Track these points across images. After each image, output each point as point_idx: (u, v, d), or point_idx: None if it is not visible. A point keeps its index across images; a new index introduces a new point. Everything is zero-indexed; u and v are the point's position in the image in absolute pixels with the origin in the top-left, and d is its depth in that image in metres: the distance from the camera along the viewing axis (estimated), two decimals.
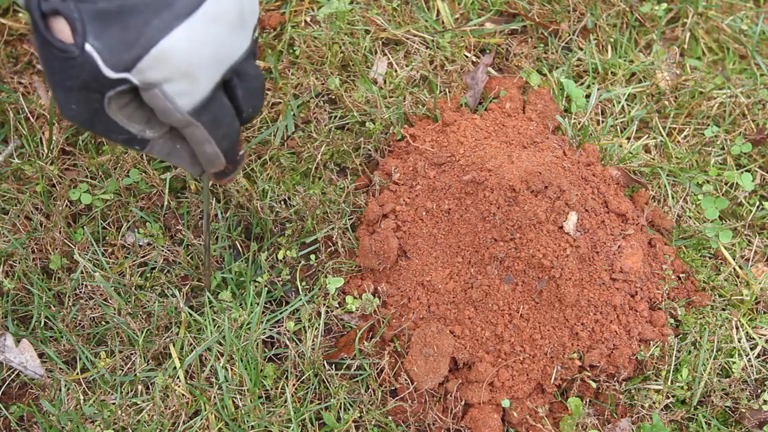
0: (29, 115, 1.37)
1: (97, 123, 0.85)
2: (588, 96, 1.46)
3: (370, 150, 1.38)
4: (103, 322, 1.22)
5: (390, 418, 1.17)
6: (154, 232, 1.28)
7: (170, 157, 0.93)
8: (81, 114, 0.85)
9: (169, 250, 1.28)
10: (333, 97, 1.44)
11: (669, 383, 1.19)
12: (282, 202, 1.32)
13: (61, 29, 0.77)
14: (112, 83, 0.79)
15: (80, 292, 1.24)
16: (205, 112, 0.85)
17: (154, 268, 1.27)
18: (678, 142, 1.44)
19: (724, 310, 1.27)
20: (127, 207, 1.32)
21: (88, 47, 0.76)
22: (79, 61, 0.77)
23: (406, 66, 1.47)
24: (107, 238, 1.30)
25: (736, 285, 1.30)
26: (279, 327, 1.22)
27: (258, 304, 1.21)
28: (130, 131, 0.86)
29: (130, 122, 0.86)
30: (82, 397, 1.16)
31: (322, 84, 1.44)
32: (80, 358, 1.20)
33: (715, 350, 1.22)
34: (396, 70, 1.47)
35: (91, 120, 0.85)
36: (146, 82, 0.80)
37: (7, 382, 1.19)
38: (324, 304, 1.23)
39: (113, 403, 1.15)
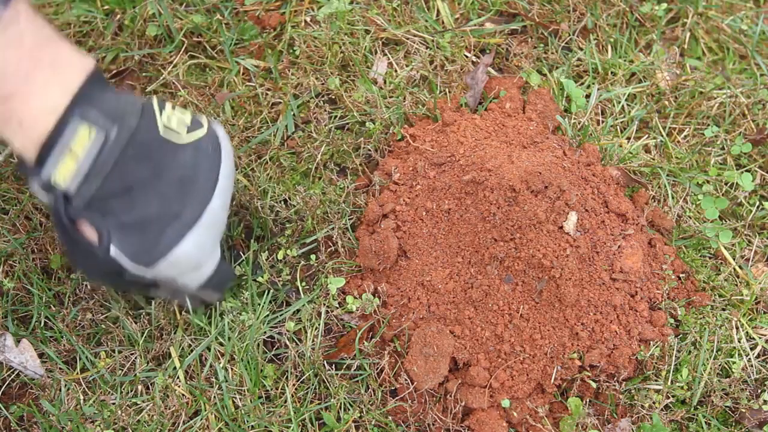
0: None
1: (119, 284, 1.10)
2: (588, 96, 1.46)
3: (370, 150, 1.38)
4: (103, 323, 1.22)
5: (390, 418, 1.17)
6: None
7: (174, 296, 1.14)
8: (104, 282, 1.13)
9: None
10: (333, 97, 1.44)
11: (669, 383, 1.19)
12: (282, 202, 1.32)
13: (88, 230, 0.94)
14: (132, 273, 0.98)
15: (80, 292, 1.25)
16: (209, 284, 1.08)
17: None
18: (678, 142, 1.44)
19: (724, 310, 1.27)
20: None
21: (112, 250, 0.94)
22: (102, 259, 0.95)
23: (406, 66, 1.47)
24: None
25: (736, 285, 1.30)
26: (279, 327, 1.22)
27: (260, 305, 1.21)
28: (146, 277, 1.02)
29: (142, 281, 1.03)
30: (82, 397, 1.16)
31: (322, 84, 1.44)
32: (80, 358, 1.20)
33: (715, 350, 1.22)
34: (396, 70, 1.47)
35: (111, 284, 1.12)
36: (161, 277, 1.00)
37: (7, 382, 1.19)
38: (324, 304, 1.23)
39: (113, 403, 1.15)
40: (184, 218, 0.96)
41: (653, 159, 1.40)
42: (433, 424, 1.16)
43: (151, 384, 1.17)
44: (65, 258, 1.24)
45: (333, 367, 1.19)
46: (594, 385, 1.19)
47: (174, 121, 0.95)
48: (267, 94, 1.43)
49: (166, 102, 0.98)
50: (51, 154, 0.87)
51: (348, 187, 1.33)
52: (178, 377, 1.17)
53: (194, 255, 0.99)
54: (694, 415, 1.19)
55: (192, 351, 1.19)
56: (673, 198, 1.36)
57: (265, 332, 1.21)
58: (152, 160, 0.93)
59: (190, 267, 1.01)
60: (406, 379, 1.17)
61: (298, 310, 1.23)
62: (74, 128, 0.87)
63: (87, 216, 0.92)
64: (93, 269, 1.01)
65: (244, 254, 1.28)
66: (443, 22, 1.52)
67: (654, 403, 1.18)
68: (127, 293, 1.20)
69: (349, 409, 1.17)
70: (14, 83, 0.85)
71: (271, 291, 1.24)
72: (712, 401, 1.19)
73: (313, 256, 1.28)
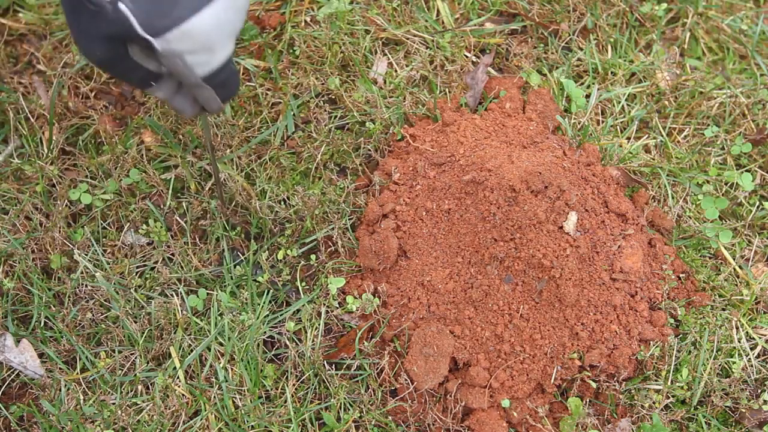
0: (29, 115, 1.37)
1: (118, 64, 0.97)
2: (588, 96, 1.46)
3: (370, 150, 1.38)
4: (103, 323, 1.22)
5: (390, 418, 1.17)
6: (156, 229, 1.28)
7: (174, 98, 1.04)
8: (104, 57, 0.95)
9: (168, 247, 1.28)
10: (333, 97, 1.44)
11: (669, 383, 1.19)
12: (282, 202, 1.32)
13: None
14: (139, 39, 0.89)
15: (80, 292, 1.25)
16: (216, 78, 0.98)
17: (153, 268, 1.27)
18: (678, 142, 1.44)
19: (724, 310, 1.27)
20: (127, 207, 1.32)
21: (122, 6, 0.86)
22: (111, 17, 0.86)
23: (406, 66, 1.47)
24: (107, 238, 1.30)
25: (736, 285, 1.30)
26: (279, 327, 1.22)
27: (260, 305, 1.21)
28: (148, 68, 0.96)
29: (148, 62, 0.95)
30: (82, 397, 1.16)
31: (322, 84, 1.44)
32: (80, 358, 1.20)
33: (715, 350, 1.22)
34: (396, 70, 1.47)
35: (112, 62, 0.96)
36: (170, 51, 0.90)
37: (7, 382, 1.19)
38: (324, 304, 1.23)
39: (113, 403, 1.15)
40: None
41: (653, 159, 1.40)
42: (433, 424, 1.16)
43: (151, 384, 1.17)
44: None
45: (333, 367, 1.19)
46: (594, 385, 1.19)
47: None
48: (267, 94, 1.43)
49: None
50: None
51: (348, 187, 1.33)
52: (178, 377, 1.17)
53: (210, 31, 0.91)
54: (694, 415, 1.19)
55: (192, 351, 1.19)
56: (673, 198, 1.36)
57: (265, 332, 1.21)
58: None
59: (202, 45, 0.93)
60: (406, 379, 1.17)
61: (298, 310, 1.23)
62: None
63: None
64: (96, 33, 0.91)
65: (244, 254, 1.28)
66: (443, 22, 1.52)
67: (654, 403, 1.18)
68: (126, 79, 1.06)
69: (349, 409, 1.16)
70: None
71: (271, 291, 1.24)
72: (712, 401, 1.19)
73: (313, 256, 1.28)
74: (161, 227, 1.29)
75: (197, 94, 1.01)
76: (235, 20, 0.95)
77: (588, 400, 1.20)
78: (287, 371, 1.18)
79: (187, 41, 0.91)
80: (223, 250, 1.28)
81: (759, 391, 1.21)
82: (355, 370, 1.19)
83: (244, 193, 1.31)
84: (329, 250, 1.29)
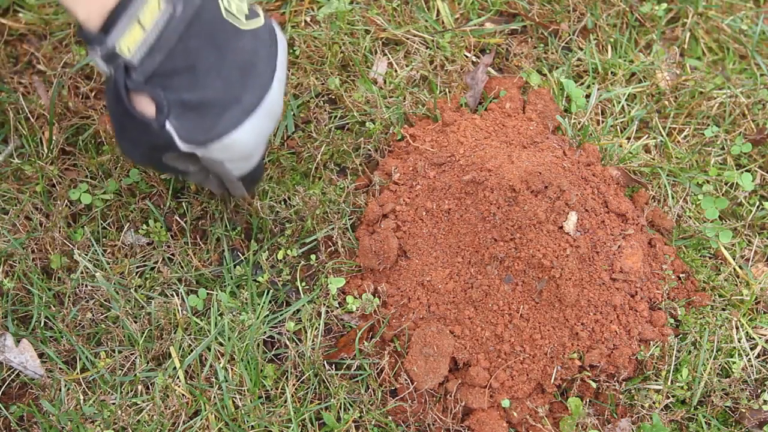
0: (29, 115, 1.37)
1: (152, 166, 1.11)
2: (588, 96, 1.46)
3: (370, 150, 1.38)
4: (103, 323, 1.22)
5: (390, 418, 1.17)
6: (156, 229, 1.28)
7: (203, 183, 1.15)
8: (140, 159, 1.09)
9: (169, 247, 1.28)
10: (333, 97, 1.44)
11: (669, 383, 1.19)
12: (282, 202, 1.32)
13: (143, 105, 0.94)
14: (179, 151, 0.97)
15: (80, 292, 1.25)
16: (248, 175, 1.08)
17: (153, 268, 1.27)
18: (678, 142, 1.44)
19: (724, 310, 1.27)
20: (127, 207, 1.32)
21: (168, 125, 0.94)
22: (155, 132, 0.94)
23: (406, 66, 1.47)
24: (107, 238, 1.30)
25: (736, 285, 1.30)
26: (279, 327, 1.22)
27: (260, 305, 1.21)
28: (177, 168, 1.05)
29: (180, 163, 1.04)
30: (82, 397, 1.16)
31: (322, 84, 1.44)
32: (80, 358, 1.20)
33: (715, 350, 1.22)
34: (396, 70, 1.47)
35: (147, 163, 1.11)
36: (210, 159, 0.99)
37: (7, 382, 1.19)
38: (324, 304, 1.23)
39: (113, 403, 1.15)
40: (245, 103, 0.95)
41: (653, 159, 1.40)
42: (433, 424, 1.16)
43: (151, 384, 1.17)
44: (112, 136, 1.19)
45: (333, 367, 1.19)
46: (594, 385, 1.19)
47: (234, 6, 0.95)
48: None
49: None
50: (118, 22, 0.87)
51: (348, 187, 1.33)
52: (178, 377, 1.17)
53: (249, 142, 0.98)
54: (694, 415, 1.19)
55: (192, 351, 1.19)
56: (673, 198, 1.36)
57: (265, 332, 1.21)
58: (215, 41, 0.93)
59: (241, 154, 1.01)
60: (406, 379, 1.17)
61: (298, 310, 1.23)
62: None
63: (147, 89, 0.92)
64: (139, 143, 0.99)
65: (244, 254, 1.28)
66: (443, 22, 1.52)
67: (654, 403, 1.18)
68: (156, 171, 1.19)
69: (349, 409, 1.17)
70: None
71: (271, 291, 1.24)
72: (712, 401, 1.19)
73: (313, 256, 1.28)
74: (161, 227, 1.29)
75: (227, 183, 1.11)
76: (271, 127, 1.03)
77: (588, 400, 1.20)
78: (287, 371, 1.18)
79: (226, 152, 0.98)
80: (223, 250, 1.28)
81: (759, 391, 1.21)
82: (355, 370, 1.19)
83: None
84: (329, 250, 1.29)
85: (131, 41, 0.88)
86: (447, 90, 1.45)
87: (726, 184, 1.39)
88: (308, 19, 1.51)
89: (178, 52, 0.90)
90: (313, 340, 1.19)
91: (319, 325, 1.21)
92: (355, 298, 1.23)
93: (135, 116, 0.94)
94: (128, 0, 0.87)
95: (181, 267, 1.27)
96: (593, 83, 1.48)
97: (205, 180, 1.13)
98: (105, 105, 1.11)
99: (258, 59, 0.97)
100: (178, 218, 1.31)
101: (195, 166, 1.06)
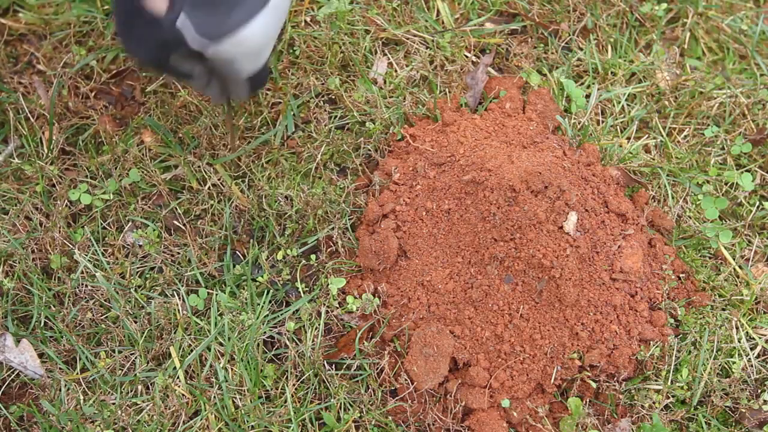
0: (29, 115, 1.38)
1: (158, 65, 1.06)
2: (588, 96, 1.46)
3: (370, 150, 1.38)
4: (103, 323, 1.22)
5: (390, 418, 1.17)
6: (156, 229, 1.28)
7: (204, 89, 1.13)
8: (147, 60, 1.05)
9: (168, 249, 1.28)
10: (333, 97, 1.44)
11: (669, 383, 1.19)
12: (283, 202, 1.32)
13: (154, 1, 0.93)
14: (188, 49, 0.96)
15: (80, 292, 1.25)
16: (255, 75, 1.07)
17: (153, 268, 1.27)
18: (678, 142, 1.44)
19: (724, 310, 1.27)
20: (127, 207, 1.32)
21: (179, 22, 0.93)
22: (166, 29, 0.94)
23: (406, 66, 1.47)
24: (107, 238, 1.30)
25: (736, 285, 1.30)
26: (279, 327, 1.22)
27: (260, 305, 1.21)
28: (182, 71, 1.04)
29: (185, 64, 1.02)
30: (82, 397, 1.16)
31: (322, 84, 1.44)
32: (80, 358, 1.20)
33: (715, 350, 1.22)
34: (396, 70, 1.47)
35: (153, 63, 1.06)
36: (220, 56, 0.98)
37: (7, 382, 1.19)
38: (324, 304, 1.23)
39: (113, 403, 1.15)
40: (253, 0, 0.97)
41: (653, 159, 1.40)
42: (433, 424, 1.16)
43: (151, 384, 1.17)
44: (117, 36, 1.17)
45: (333, 367, 1.19)
46: (594, 385, 1.19)
47: None
48: (267, 94, 1.43)
49: None
50: None
51: (348, 187, 1.33)
52: (178, 377, 1.17)
53: (259, 37, 1.00)
54: (694, 415, 1.19)
55: (192, 351, 1.19)
56: (673, 198, 1.36)
57: (265, 332, 1.21)
58: None
59: (252, 50, 1.02)
60: (406, 379, 1.17)
61: (298, 310, 1.23)
62: None
63: None
64: (148, 41, 0.99)
65: (244, 254, 1.28)
66: (443, 22, 1.52)
67: (654, 403, 1.18)
68: (160, 74, 1.16)
69: (349, 409, 1.17)
70: None
71: (271, 291, 1.24)
72: (712, 401, 1.19)
73: (313, 256, 1.28)
74: (161, 227, 1.29)
75: (231, 86, 1.10)
76: (279, 24, 1.04)
77: (588, 400, 1.20)
78: (287, 371, 1.18)
79: (239, 48, 0.98)
80: (225, 250, 1.28)
81: (759, 391, 1.21)
82: (355, 370, 1.19)
83: (246, 197, 1.31)
84: (329, 250, 1.29)
85: None
86: (447, 90, 1.45)
87: (726, 184, 1.39)
88: (308, 19, 1.50)
89: None
90: (313, 340, 1.19)
91: (319, 325, 1.21)
92: (355, 298, 1.23)
93: (143, 13, 0.94)
94: None
95: (181, 267, 1.27)
96: (593, 83, 1.47)
97: (207, 86, 1.12)
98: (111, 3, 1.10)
99: None
100: (178, 218, 1.31)
101: (200, 67, 1.05)
